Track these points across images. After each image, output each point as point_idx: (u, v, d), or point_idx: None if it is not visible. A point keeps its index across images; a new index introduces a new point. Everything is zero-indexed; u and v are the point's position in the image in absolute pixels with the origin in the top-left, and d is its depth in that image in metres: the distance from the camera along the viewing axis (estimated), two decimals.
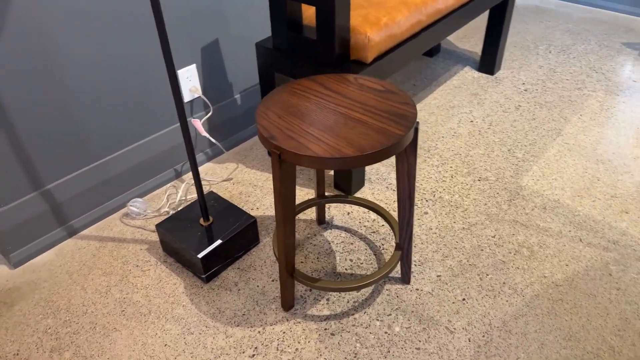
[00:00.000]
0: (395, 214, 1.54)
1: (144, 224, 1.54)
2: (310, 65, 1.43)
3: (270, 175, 1.71)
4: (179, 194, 1.64)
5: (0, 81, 1.22)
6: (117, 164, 1.53)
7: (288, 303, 1.26)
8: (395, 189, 1.62)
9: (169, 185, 1.69)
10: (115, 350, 1.19)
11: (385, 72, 1.48)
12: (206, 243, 1.33)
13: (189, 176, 1.72)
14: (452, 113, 2.00)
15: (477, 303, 1.27)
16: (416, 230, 1.48)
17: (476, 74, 2.26)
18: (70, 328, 1.25)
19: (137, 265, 1.41)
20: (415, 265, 1.38)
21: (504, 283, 1.32)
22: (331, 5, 1.29)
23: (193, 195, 1.63)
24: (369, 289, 1.32)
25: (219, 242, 1.33)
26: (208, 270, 1.33)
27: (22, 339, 1.23)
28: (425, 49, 1.63)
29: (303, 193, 1.64)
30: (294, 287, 1.24)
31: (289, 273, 1.20)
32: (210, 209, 1.43)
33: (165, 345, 1.20)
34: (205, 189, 1.66)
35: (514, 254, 1.40)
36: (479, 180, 1.66)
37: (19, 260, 1.40)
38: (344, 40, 1.38)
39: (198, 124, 1.55)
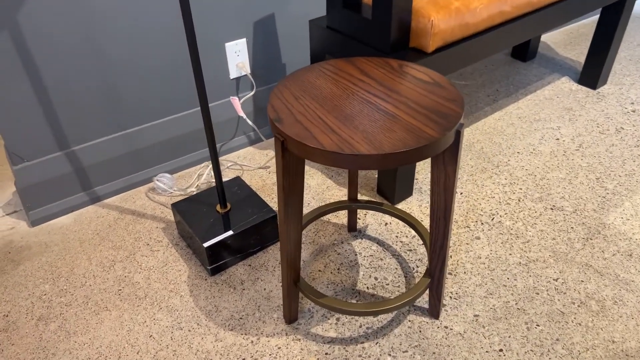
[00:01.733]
0: None
1: (168, 201, 1.45)
2: (363, 49, 1.25)
3: (312, 170, 1.56)
4: (210, 175, 1.54)
5: (43, 39, 1.17)
6: (150, 134, 1.45)
7: (290, 315, 1.09)
8: None
9: (202, 165, 1.59)
10: (99, 331, 1.10)
11: (448, 66, 1.26)
12: (216, 232, 1.20)
13: (226, 158, 1.61)
14: (535, 127, 1.71)
15: (518, 359, 1.02)
16: (461, 256, 1.25)
17: (575, 86, 1.93)
18: (64, 298, 1.18)
19: (148, 244, 1.31)
20: (450, 298, 1.15)
21: (557, 340, 1.06)
22: None
23: (225, 179, 1.52)
24: (387, 316, 1.12)
25: (229, 233, 1.20)
26: (214, 262, 1.20)
27: (16, 300, 1.18)
28: (504, 47, 1.38)
29: (341, 193, 1.46)
30: (297, 298, 1.08)
31: (292, 281, 1.03)
32: (230, 196, 1.31)
33: (151, 336, 1.09)
34: (236, 173, 1.54)
35: (578, 306, 1.12)
36: (551, 208, 1.39)
37: (37, 219, 1.37)
38: (403, 23, 1.18)
39: (236, 103, 1.43)
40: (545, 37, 2.31)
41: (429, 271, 1.04)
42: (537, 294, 1.15)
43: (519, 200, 1.42)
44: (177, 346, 1.07)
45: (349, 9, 1.27)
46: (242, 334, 1.09)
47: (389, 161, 0.77)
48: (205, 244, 1.17)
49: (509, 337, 1.07)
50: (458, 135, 0.83)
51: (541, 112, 1.78)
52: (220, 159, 1.61)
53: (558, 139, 1.65)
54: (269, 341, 1.07)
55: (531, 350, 1.04)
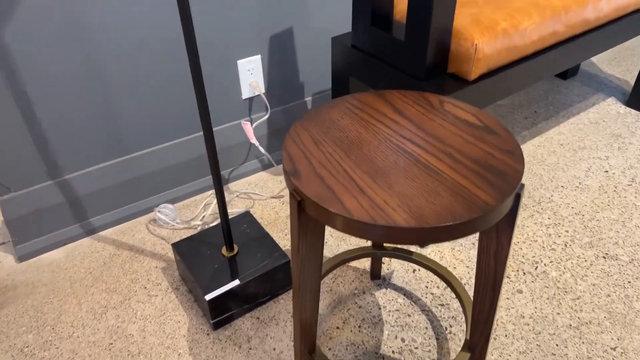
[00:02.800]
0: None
1: (170, 235, 1.31)
2: (393, 74, 1.09)
3: None
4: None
5: (39, 56, 1.03)
6: (151, 161, 1.31)
7: None
8: None
9: (209, 192, 1.44)
10: None
11: (493, 96, 1.09)
12: (221, 281, 1.05)
13: (236, 185, 1.46)
14: (580, 156, 1.53)
15: None
16: (501, 314, 1.09)
17: (623, 108, 1.75)
18: (48, 352, 1.04)
19: (146, 287, 1.17)
20: None
21: None
22: None
23: (234, 210, 1.37)
24: None
25: (235, 282, 1.05)
26: (217, 316, 1.05)
27: None
28: (556, 71, 1.21)
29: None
30: None
31: (306, 351, 0.88)
32: (238, 236, 1.16)
33: None
34: (247, 203, 1.39)
35: None
36: (604, 257, 1.21)
37: (25, 254, 1.24)
38: (442, 46, 1.01)
39: (248, 128, 1.28)
40: None
41: (469, 345, 0.88)
42: None
43: (566, 246, 1.24)
44: None
45: (377, 27, 1.11)
46: None
47: (432, 236, 0.61)
48: (208, 297, 1.02)
49: None
50: (518, 200, 0.67)
51: (586, 139, 1.60)
52: (230, 185, 1.46)
53: (607, 171, 1.47)
54: None
55: None
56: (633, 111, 1.73)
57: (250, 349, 1.03)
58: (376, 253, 1.08)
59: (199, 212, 1.36)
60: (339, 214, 0.62)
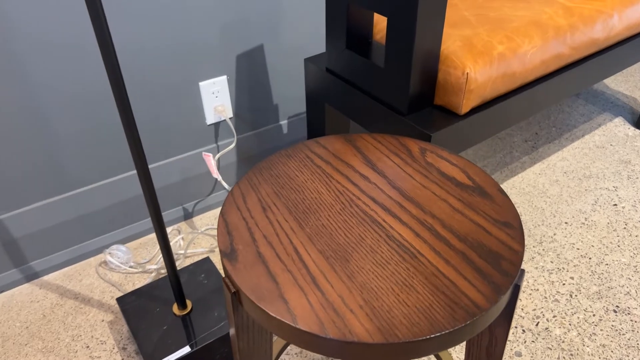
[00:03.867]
0: None
1: (122, 280, 1.15)
2: (373, 106, 0.94)
3: None
4: (178, 244, 1.23)
5: None
6: (98, 197, 1.15)
7: None
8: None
9: (171, 228, 1.29)
10: None
11: (487, 131, 0.94)
12: (168, 347, 0.90)
13: (201, 218, 1.31)
14: (586, 186, 1.38)
15: None
16: None
17: (632, 130, 1.60)
18: None
19: (88, 347, 1.02)
20: None
21: None
22: (411, 15, 0.78)
23: (197, 250, 1.22)
24: None
25: (186, 350, 0.89)
26: None
27: None
28: (560, 100, 1.06)
29: None
30: None
31: None
32: (193, 290, 1.00)
33: None
34: (212, 242, 1.24)
35: None
36: (614, 311, 1.06)
37: None
38: (428, 74, 0.86)
39: (210, 161, 1.12)
40: None
41: None
42: None
43: (571, 296, 1.09)
44: None
45: (353, 50, 0.96)
46: None
47: (403, 353, 0.46)
48: None
49: None
50: (516, 293, 0.52)
51: (592, 166, 1.45)
52: (195, 219, 1.30)
53: (616, 204, 1.32)
54: None
55: None
56: None
57: None
58: None
59: (155, 254, 1.21)
60: (279, 319, 0.47)
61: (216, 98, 1.19)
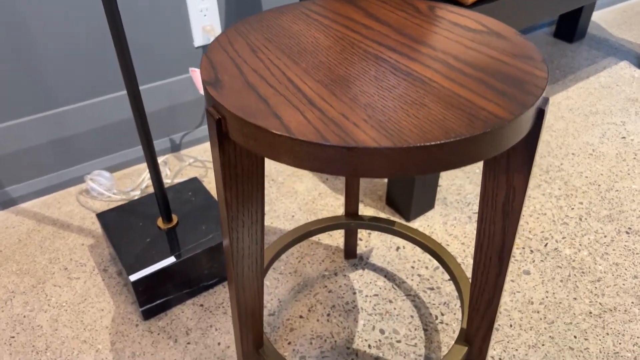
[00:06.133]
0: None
1: (105, 208, 1.08)
2: None
3: (298, 170, 1.18)
4: (164, 174, 1.17)
5: None
6: (82, 118, 1.08)
7: None
8: None
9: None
10: None
11: None
12: (152, 258, 0.83)
13: (188, 152, 1.24)
14: (592, 121, 1.33)
15: None
16: (504, 300, 0.88)
17: (637, 72, 1.54)
18: None
19: (67, 269, 0.95)
20: None
21: None
22: None
23: (185, 179, 1.15)
24: None
25: (170, 260, 0.83)
26: (148, 302, 0.83)
27: None
28: (564, 9, 1.00)
29: (338, 203, 1.08)
30: None
31: (252, 345, 0.66)
32: (180, 206, 0.94)
33: None
34: (200, 173, 1.17)
35: None
36: (627, 232, 1.00)
37: None
38: None
39: (197, 77, 1.06)
40: (596, 17, 1.92)
41: (466, 335, 0.67)
42: None
43: (581, 220, 1.03)
44: None
45: None
46: None
47: (414, 163, 0.40)
48: (133, 278, 0.80)
49: None
50: (541, 118, 0.46)
51: (598, 104, 1.40)
52: (182, 152, 1.24)
53: (624, 137, 1.27)
54: None
55: None
56: None
57: (188, 343, 0.81)
58: (350, 224, 0.87)
59: (140, 181, 1.14)
60: (270, 132, 0.40)
61: (205, 17, 1.13)
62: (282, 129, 0.40)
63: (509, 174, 0.50)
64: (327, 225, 0.86)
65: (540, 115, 0.45)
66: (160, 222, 0.89)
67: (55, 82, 1.02)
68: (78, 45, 1.01)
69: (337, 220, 0.86)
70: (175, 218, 0.90)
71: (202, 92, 1.06)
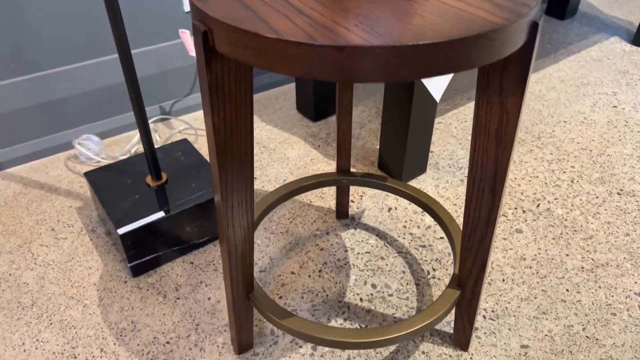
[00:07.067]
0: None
1: None
2: None
3: (290, 137, 1.17)
4: (154, 140, 1.15)
5: None
6: (72, 81, 1.06)
7: (241, 341, 0.71)
8: None
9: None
10: None
11: None
12: (140, 213, 0.82)
13: (180, 120, 1.23)
14: (583, 92, 1.33)
15: None
16: (497, 256, 0.87)
17: (628, 46, 1.55)
18: None
19: (54, 229, 0.93)
20: (484, 318, 0.77)
21: None
22: None
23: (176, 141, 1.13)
24: (390, 346, 0.74)
25: (159, 215, 0.81)
26: (137, 258, 0.82)
27: None
28: None
29: (330, 168, 1.08)
30: (251, 315, 0.69)
31: (242, 292, 0.65)
32: (169, 164, 0.92)
33: None
34: (191, 140, 1.16)
35: None
36: (618, 193, 1.00)
37: None
38: None
39: (187, 38, 1.04)
40: None
41: (459, 279, 0.66)
42: (614, 314, 0.77)
43: (573, 182, 1.03)
44: None
45: None
46: None
47: (408, 63, 0.39)
48: (121, 231, 0.78)
49: None
50: (535, 32, 0.45)
51: (589, 75, 1.40)
52: (172, 121, 1.22)
53: (615, 106, 1.27)
54: None
55: None
56: None
57: (177, 298, 0.80)
58: (342, 180, 0.86)
59: (130, 146, 1.12)
60: (259, 35, 0.39)
61: None
62: (270, 32, 0.39)
63: (502, 97, 0.50)
64: (319, 181, 0.85)
65: (534, 29, 0.45)
66: (149, 179, 0.88)
67: (43, 44, 1.00)
68: (67, 4, 0.99)
69: (329, 177, 0.86)
70: (164, 176, 0.89)
71: (192, 53, 1.05)
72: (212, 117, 0.49)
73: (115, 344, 0.74)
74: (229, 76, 0.48)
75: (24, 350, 0.73)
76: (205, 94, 0.49)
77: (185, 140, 0.99)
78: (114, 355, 0.72)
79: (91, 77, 1.08)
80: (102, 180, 0.89)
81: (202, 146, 1.14)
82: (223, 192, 0.54)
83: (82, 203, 0.99)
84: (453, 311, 0.77)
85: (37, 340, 0.74)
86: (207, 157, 1.08)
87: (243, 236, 0.60)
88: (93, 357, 0.72)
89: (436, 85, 0.94)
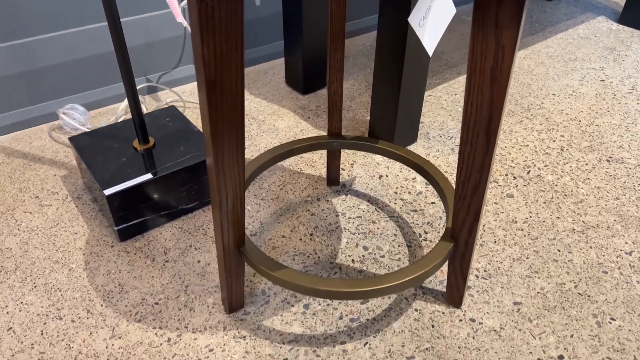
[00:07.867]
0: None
1: None
2: None
3: (279, 109, 1.16)
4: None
5: None
6: (56, 49, 1.04)
7: (231, 300, 0.70)
8: None
9: None
10: None
11: None
12: (128, 175, 0.80)
13: (167, 93, 1.21)
14: (572, 67, 1.34)
15: None
16: (488, 219, 0.87)
17: (615, 25, 1.56)
18: None
19: (38, 197, 0.91)
20: (477, 277, 0.77)
21: None
22: None
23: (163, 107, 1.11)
24: (382, 303, 0.73)
25: (147, 176, 0.80)
26: (124, 221, 0.80)
27: None
28: None
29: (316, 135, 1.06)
30: (242, 272, 0.68)
31: (233, 245, 0.64)
32: (157, 129, 0.91)
33: (10, 329, 0.69)
34: (179, 107, 1.14)
35: None
36: (607, 160, 1.01)
37: None
38: None
39: (174, 3, 1.02)
40: None
41: (452, 232, 0.66)
42: (606, 272, 0.78)
43: (562, 150, 1.04)
44: (49, 345, 0.67)
45: None
46: (154, 328, 0.69)
47: None
48: (108, 192, 0.77)
49: (571, 336, 0.69)
50: None
51: (577, 52, 1.41)
52: (160, 94, 1.20)
53: (603, 80, 1.28)
54: (195, 339, 0.68)
55: (607, 358, 0.66)
56: (626, 27, 1.54)
57: (166, 261, 0.79)
58: (333, 143, 0.85)
59: (116, 117, 1.10)
60: None
61: None
62: None
63: (497, 30, 0.49)
64: (310, 144, 0.84)
65: None
66: (136, 143, 0.86)
67: (25, 9, 0.97)
68: None
69: (320, 140, 0.85)
70: (152, 140, 0.87)
71: (179, 19, 1.03)
72: (202, 49, 0.48)
73: (102, 305, 0.72)
74: (219, 4, 0.46)
75: (7, 313, 0.71)
76: (194, 24, 0.47)
77: (172, 107, 0.97)
78: (101, 316, 0.71)
79: (76, 45, 1.05)
80: (87, 144, 0.87)
81: (191, 118, 1.12)
82: (213, 131, 0.53)
83: (67, 171, 0.97)
84: (446, 270, 0.77)
85: (21, 302, 0.72)
86: (196, 124, 1.06)
87: (234, 185, 0.59)
88: (79, 318, 0.70)
89: (429, 39, 0.93)
